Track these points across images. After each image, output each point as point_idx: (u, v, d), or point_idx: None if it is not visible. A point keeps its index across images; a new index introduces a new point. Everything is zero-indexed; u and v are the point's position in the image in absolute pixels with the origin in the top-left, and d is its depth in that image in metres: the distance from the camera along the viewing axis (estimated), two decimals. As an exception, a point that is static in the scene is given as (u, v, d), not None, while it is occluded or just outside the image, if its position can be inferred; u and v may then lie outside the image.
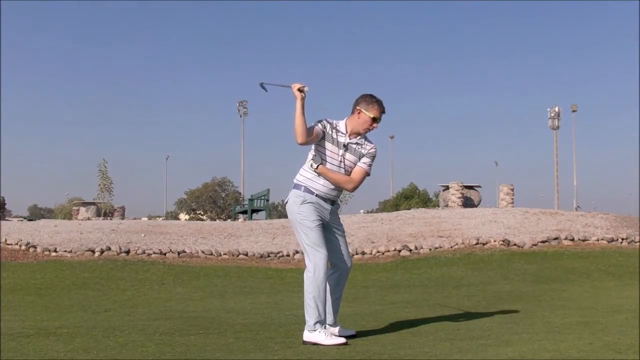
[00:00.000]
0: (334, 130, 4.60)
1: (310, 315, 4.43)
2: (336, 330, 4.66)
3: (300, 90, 4.43)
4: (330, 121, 4.64)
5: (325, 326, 4.49)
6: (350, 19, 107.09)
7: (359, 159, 4.64)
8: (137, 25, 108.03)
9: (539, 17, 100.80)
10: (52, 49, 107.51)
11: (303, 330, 4.49)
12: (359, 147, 4.64)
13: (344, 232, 4.81)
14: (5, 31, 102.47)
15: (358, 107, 4.62)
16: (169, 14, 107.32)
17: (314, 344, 4.37)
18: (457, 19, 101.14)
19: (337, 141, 4.59)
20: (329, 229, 4.67)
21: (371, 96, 4.65)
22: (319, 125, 4.55)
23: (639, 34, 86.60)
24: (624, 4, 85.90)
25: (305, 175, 4.64)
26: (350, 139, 4.63)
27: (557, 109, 45.74)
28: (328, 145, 4.58)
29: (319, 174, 4.57)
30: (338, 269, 4.72)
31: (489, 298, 7.82)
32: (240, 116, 51.22)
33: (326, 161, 4.59)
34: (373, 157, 4.70)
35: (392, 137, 60.69)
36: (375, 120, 4.61)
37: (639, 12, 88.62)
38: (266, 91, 4.72)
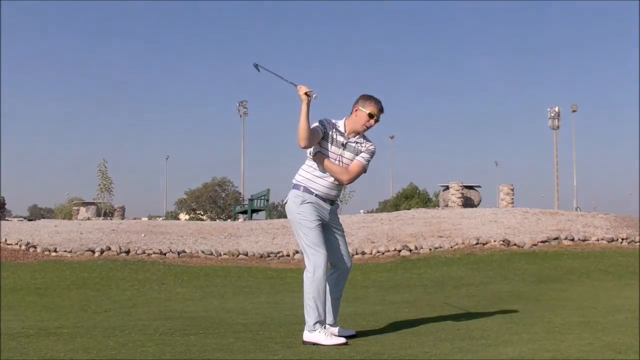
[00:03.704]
0: (333, 130, 4.60)
1: (310, 316, 4.43)
2: (336, 330, 4.66)
3: (307, 94, 4.40)
4: (330, 121, 4.64)
5: (325, 326, 4.49)
6: (351, 18, 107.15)
7: (357, 155, 4.65)
8: (137, 25, 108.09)
9: (539, 17, 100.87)
10: (52, 49, 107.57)
11: (303, 330, 4.50)
12: (358, 145, 4.65)
13: (343, 232, 4.81)
14: (5, 30, 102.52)
15: (355, 106, 4.64)
16: (169, 13, 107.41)
17: (314, 344, 4.37)
18: (457, 18, 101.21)
19: (336, 140, 4.59)
20: (329, 229, 4.67)
21: (369, 95, 4.66)
22: (319, 125, 4.55)
23: (639, 34, 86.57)
24: (624, 4, 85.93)
25: (305, 175, 4.64)
26: (349, 138, 4.63)
27: (557, 109, 45.73)
28: (327, 144, 4.58)
29: (316, 161, 4.57)
30: (338, 269, 4.72)
31: (489, 298, 7.81)
32: (240, 116, 51.22)
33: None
34: (372, 154, 4.70)
35: (392, 137, 60.75)
36: (371, 116, 4.61)
37: (639, 12, 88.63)
38: (259, 71, 4.69)
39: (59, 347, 4.32)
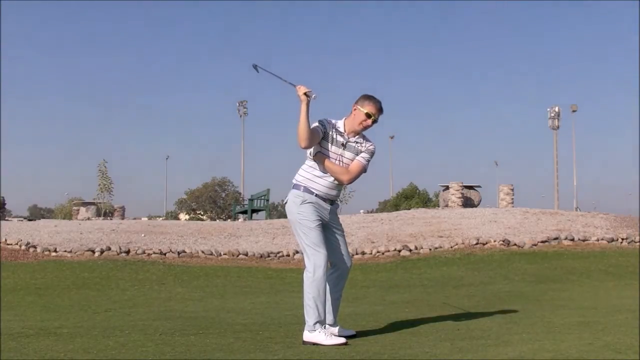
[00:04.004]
0: (333, 130, 4.60)
1: (310, 316, 4.43)
2: (336, 330, 4.66)
3: (306, 94, 4.39)
4: (330, 121, 4.64)
5: (325, 326, 4.49)
6: (351, 18, 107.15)
7: (357, 155, 4.65)
8: (137, 25, 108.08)
9: (539, 17, 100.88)
10: (52, 48, 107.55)
11: (303, 330, 4.50)
12: (358, 145, 4.65)
13: (343, 231, 4.81)
14: (5, 29, 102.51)
15: (355, 105, 4.64)
16: (169, 14, 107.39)
17: (314, 344, 4.37)
18: (457, 18, 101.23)
19: (336, 140, 4.60)
20: (329, 229, 4.67)
21: (368, 95, 4.66)
22: (319, 126, 4.55)
23: (639, 34, 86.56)
24: (624, 4, 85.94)
25: (305, 175, 4.64)
26: (349, 138, 4.63)
27: (557, 109, 45.74)
28: (327, 144, 4.58)
29: (316, 161, 4.57)
30: (338, 269, 4.73)
31: (489, 298, 7.81)
32: (240, 116, 51.26)
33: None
34: (372, 154, 4.70)
35: (392, 137, 60.71)
36: (369, 115, 4.60)
37: (639, 12, 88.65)
38: (257, 72, 4.70)
39: (59, 347, 4.32)
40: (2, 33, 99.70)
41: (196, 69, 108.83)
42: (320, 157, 4.58)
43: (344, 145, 4.61)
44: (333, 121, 4.65)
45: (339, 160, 4.60)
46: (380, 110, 4.63)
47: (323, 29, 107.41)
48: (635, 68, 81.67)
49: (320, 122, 4.57)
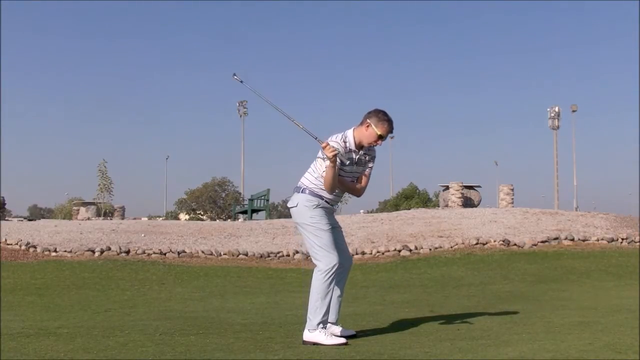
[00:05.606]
0: (346, 151, 4.61)
1: (315, 316, 4.44)
2: (338, 329, 4.67)
3: (334, 155, 4.43)
4: (342, 143, 4.59)
5: (325, 326, 4.49)
6: (352, 18, 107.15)
7: (365, 165, 4.73)
8: (137, 25, 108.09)
9: (539, 17, 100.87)
10: (52, 49, 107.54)
11: (303, 330, 4.50)
12: (366, 156, 4.72)
13: (341, 229, 4.88)
14: (5, 29, 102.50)
15: (368, 121, 4.64)
16: (169, 14, 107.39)
17: (314, 343, 4.38)
18: (457, 18, 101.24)
19: (349, 160, 4.63)
20: (333, 230, 4.70)
21: (384, 114, 4.66)
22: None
23: (639, 34, 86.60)
24: (624, 4, 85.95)
25: (313, 181, 4.67)
26: (359, 152, 4.66)
27: (557, 109, 45.77)
28: (341, 165, 4.61)
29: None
30: (341, 266, 4.74)
31: (489, 298, 7.81)
32: (240, 116, 51.25)
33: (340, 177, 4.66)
34: (374, 159, 4.80)
35: (392, 137, 60.62)
36: (381, 137, 4.64)
37: (639, 12, 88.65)
38: (241, 82, 4.76)
39: (59, 347, 4.32)
40: (2, 32, 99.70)
41: (196, 69, 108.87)
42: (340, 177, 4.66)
43: (356, 163, 4.65)
44: (341, 137, 4.62)
45: (352, 177, 4.70)
46: (391, 131, 4.69)
47: (324, 27, 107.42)
48: (636, 68, 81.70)
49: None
